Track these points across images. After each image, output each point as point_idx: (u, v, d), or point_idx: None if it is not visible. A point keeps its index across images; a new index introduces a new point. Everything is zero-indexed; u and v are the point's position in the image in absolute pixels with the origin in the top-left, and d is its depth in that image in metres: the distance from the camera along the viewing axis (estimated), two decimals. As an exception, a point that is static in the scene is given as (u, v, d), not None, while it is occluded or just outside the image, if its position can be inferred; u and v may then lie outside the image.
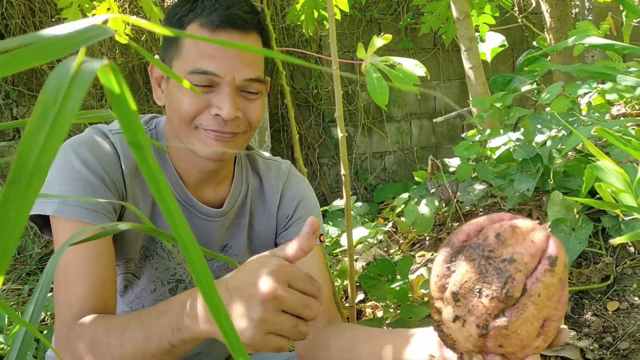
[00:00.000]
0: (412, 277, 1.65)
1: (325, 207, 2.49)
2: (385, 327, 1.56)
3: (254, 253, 1.11)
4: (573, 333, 1.36)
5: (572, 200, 1.36)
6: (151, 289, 1.06)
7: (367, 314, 1.75)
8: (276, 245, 1.15)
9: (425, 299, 1.58)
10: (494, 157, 2.04)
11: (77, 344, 0.82)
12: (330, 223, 2.62)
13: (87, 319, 0.85)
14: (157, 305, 0.79)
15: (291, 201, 1.12)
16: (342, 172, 1.46)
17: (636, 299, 1.43)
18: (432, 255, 1.94)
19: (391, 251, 2.16)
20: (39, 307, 0.39)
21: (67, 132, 0.22)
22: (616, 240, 0.84)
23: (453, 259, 0.63)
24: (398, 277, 1.60)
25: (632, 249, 1.58)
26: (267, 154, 1.17)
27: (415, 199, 2.16)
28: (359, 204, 2.86)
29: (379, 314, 1.70)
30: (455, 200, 1.95)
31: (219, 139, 0.90)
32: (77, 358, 0.80)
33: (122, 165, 0.93)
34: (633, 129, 1.85)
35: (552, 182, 1.73)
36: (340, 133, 1.44)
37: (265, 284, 0.65)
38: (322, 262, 1.14)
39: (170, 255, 1.02)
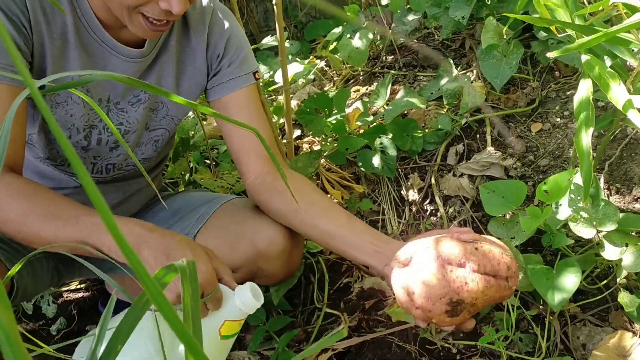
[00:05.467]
0: (348, 110, 1.66)
1: (255, 45, 2.39)
2: (322, 160, 1.60)
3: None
4: (499, 154, 1.45)
5: (508, 18, 1.35)
6: (65, 135, 1.02)
7: (304, 150, 1.78)
8: (205, 90, 1.10)
9: (361, 130, 1.61)
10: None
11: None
12: (261, 63, 2.53)
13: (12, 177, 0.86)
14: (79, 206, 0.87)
15: (220, 38, 1.09)
16: (274, 0, 1.37)
17: (558, 119, 1.51)
18: (366, 89, 1.94)
19: (325, 88, 2.14)
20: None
21: None
22: (551, 54, 0.85)
23: None
24: (334, 110, 1.60)
25: (557, 74, 1.63)
26: None
27: (349, 34, 2.09)
28: (288, 44, 2.76)
29: (316, 149, 1.73)
30: (390, 31, 1.90)
31: (157, 29, 0.90)
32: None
33: (27, 3, 0.86)
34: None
35: (486, 10, 1.71)
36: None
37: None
38: (258, 103, 1.12)
39: (86, 100, 0.97)
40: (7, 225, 0.83)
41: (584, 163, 0.86)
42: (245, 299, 0.85)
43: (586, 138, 0.87)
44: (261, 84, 2.17)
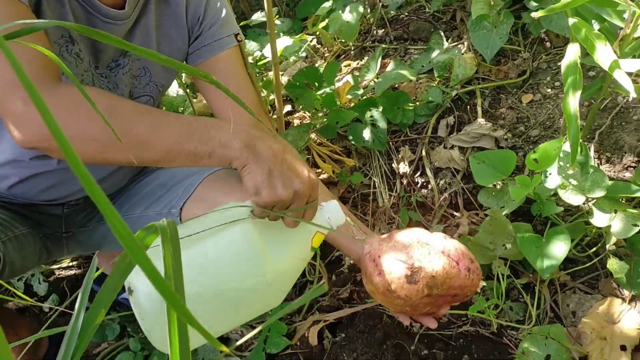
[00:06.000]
0: (338, 84, 1.65)
1: (245, 22, 2.36)
2: (313, 134, 1.59)
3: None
4: (489, 125, 1.44)
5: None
6: None
7: (294, 125, 1.77)
8: (187, 56, 1.08)
9: (352, 104, 1.60)
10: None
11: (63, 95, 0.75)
12: (252, 40, 2.51)
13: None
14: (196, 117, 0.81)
15: (199, 0, 1.06)
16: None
17: (549, 90, 1.51)
18: (357, 64, 1.92)
19: (316, 65, 2.12)
20: None
21: None
22: (536, 14, 0.84)
23: None
24: (324, 84, 1.59)
25: (548, 44, 1.62)
26: None
27: (340, 10, 2.07)
28: (279, 22, 2.72)
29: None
30: (380, 4, 1.88)
31: None
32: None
33: None
34: None
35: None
36: None
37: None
38: (242, 66, 1.10)
39: (78, 59, 0.94)
40: (96, 119, 0.74)
41: (572, 126, 0.85)
42: (334, 213, 0.83)
43: (574, 101, 0.86)
44: (251, 61, 2.15)
